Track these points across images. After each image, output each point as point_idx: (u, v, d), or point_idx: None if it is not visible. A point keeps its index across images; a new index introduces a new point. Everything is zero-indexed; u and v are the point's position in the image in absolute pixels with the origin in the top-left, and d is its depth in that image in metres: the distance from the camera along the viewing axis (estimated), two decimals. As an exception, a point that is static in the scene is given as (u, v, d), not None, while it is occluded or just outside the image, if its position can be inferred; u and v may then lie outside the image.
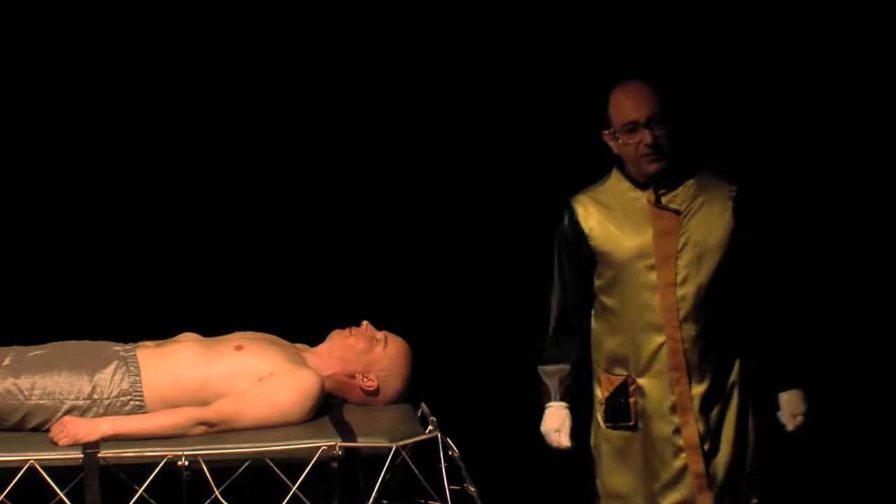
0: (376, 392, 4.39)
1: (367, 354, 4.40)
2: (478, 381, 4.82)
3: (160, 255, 5.37)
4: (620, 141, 4.14)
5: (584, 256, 4.25)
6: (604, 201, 4.24)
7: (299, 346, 4.48)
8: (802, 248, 5.14)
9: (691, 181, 4.18)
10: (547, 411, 4.33)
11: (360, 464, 3.98)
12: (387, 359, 4.40)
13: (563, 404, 4.33)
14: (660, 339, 4.17)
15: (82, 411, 4.13)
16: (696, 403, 4.18)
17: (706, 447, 4.19)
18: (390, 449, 3.98)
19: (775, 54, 5.32)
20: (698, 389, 4.18)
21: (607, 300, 4.24)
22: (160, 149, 5.37)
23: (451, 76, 5.38)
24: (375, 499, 3.95)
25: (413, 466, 4.01)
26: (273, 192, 5.41)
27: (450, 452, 4.12)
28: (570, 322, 4.31)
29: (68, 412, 4.12)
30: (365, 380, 4.38)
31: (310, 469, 3.92)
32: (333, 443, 3.95)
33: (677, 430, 4.19)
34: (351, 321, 4.47)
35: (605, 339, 4.27)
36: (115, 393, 4.16)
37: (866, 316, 5.42)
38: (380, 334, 4.44)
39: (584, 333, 4.32)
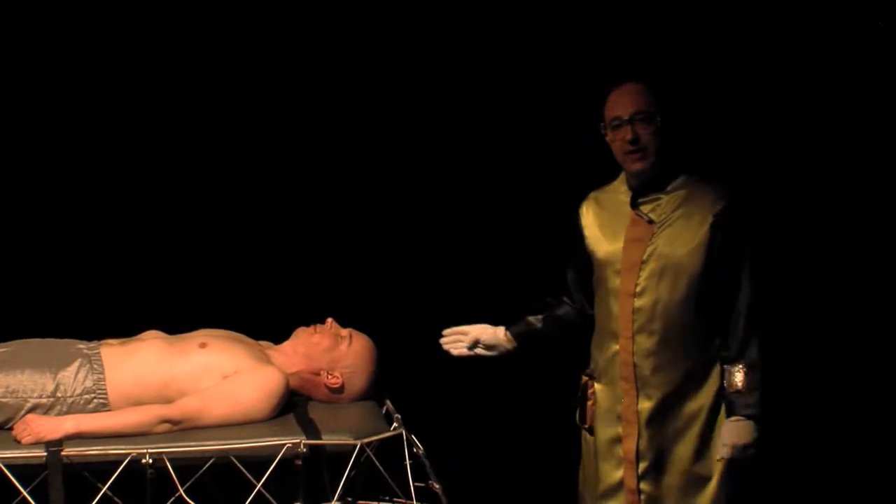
0: (341, 389, 4.40)
1: (331, 352, 4.40)
2: (442, 378, 4.82)
3: (123, 252, 5.35)
4: (609, 137, 4.12)
5: (584, 254, 4.24)
6: (602, 202, 4.23)
7: (264, 343, 4.47)
8: (778, 277, 5.00)
9: (683, 191, 4.09)
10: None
11: (324, 461, 3.99)
12: (351, 356, 4.41)
13: (499, 329, 4.35)
14: (615, 347, 4.13)
15: (46, 409, 4.12)
16: (642, 418, 4.09)
17: (644, 464, 4.11)
18: (355, 446, 3.99)
19: (778, 56, 5.29)
20: (646, 404, 4.09)
21: (596, 299, 4.23)
22: (126, 145, 5.35)
23: (427, 75, 5.38)
24: (340, 496, 3.96)
25: (378, 463, 4.02)
26: (238, 190, 5.40)
27: (414, 449, 4.13)
28: (569, 297, 4.31)
29: (31, 410, 4.11)
30: (330, 377, 4.39)
31: (274, 466, 3.92)
32: (298, 440, 3.96)
33: (619, 441, 4.14)
34: (315, 318, 4.47)
35: (592, 339, 4.26)
36: (78, 391, 4.14)
37: (840, 346, 5.40)
38: (344, 331, 4.45)
39: (585, 316, 4.28)
